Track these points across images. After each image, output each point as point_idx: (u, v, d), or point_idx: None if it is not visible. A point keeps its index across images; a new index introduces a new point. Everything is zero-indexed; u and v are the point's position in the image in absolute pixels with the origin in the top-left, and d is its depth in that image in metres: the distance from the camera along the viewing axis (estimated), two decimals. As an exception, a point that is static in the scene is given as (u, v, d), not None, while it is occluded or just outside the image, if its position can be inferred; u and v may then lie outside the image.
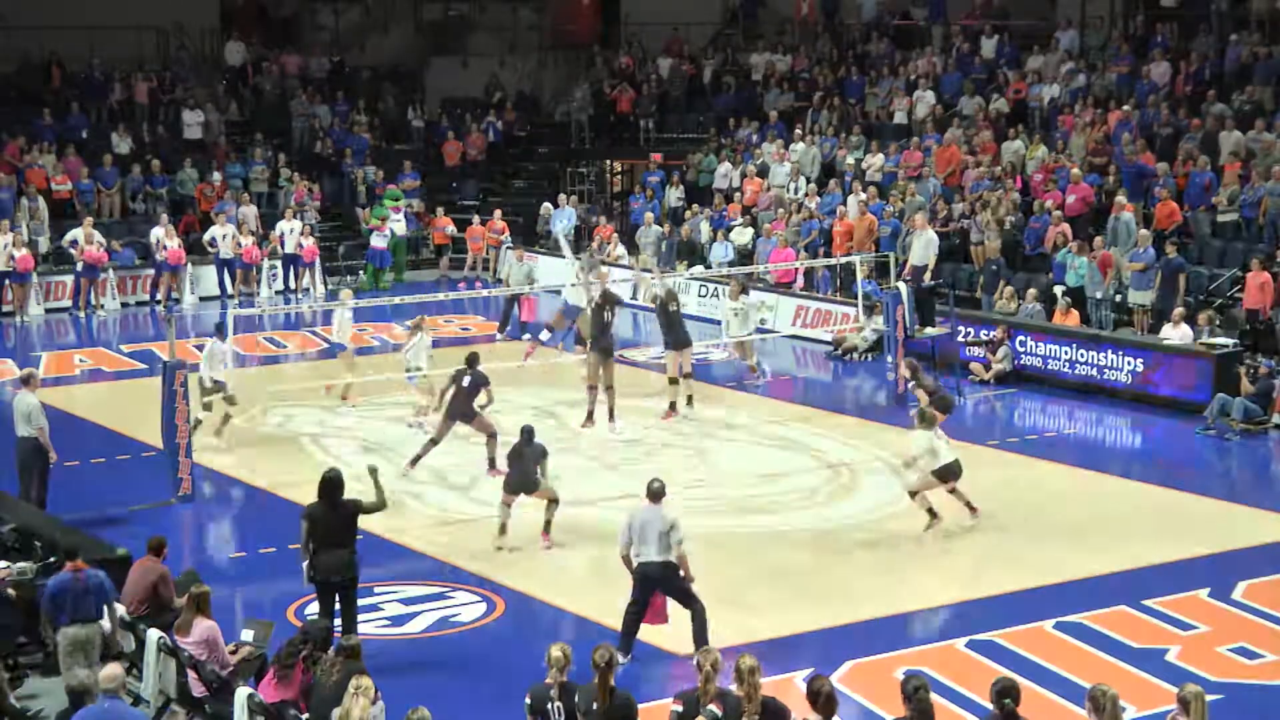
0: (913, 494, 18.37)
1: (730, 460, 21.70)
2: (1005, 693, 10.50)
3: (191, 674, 12.96)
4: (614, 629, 15.27)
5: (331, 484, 14.62)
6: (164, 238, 34.03)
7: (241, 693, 12.17)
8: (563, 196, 38.27)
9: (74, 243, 33.42)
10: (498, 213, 37.20)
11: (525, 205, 40.11)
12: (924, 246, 28.01)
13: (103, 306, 33.50)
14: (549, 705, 11.23)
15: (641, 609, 14.68)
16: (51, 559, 15.18)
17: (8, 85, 39.64)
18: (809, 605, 15.96)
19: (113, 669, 10.96)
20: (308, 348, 30.12)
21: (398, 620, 15.78)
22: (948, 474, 18.21)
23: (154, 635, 13.31)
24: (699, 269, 32.54)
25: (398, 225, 36.93)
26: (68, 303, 33.58)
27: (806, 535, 18.42)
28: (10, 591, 14.36)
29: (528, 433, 18.12)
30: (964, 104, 34.66)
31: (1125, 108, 31.72)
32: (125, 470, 22.32)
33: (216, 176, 37.36)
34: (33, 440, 18.46)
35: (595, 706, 11.07)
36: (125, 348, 29.74)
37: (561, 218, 37.04)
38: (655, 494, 14.75)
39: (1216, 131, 30.09)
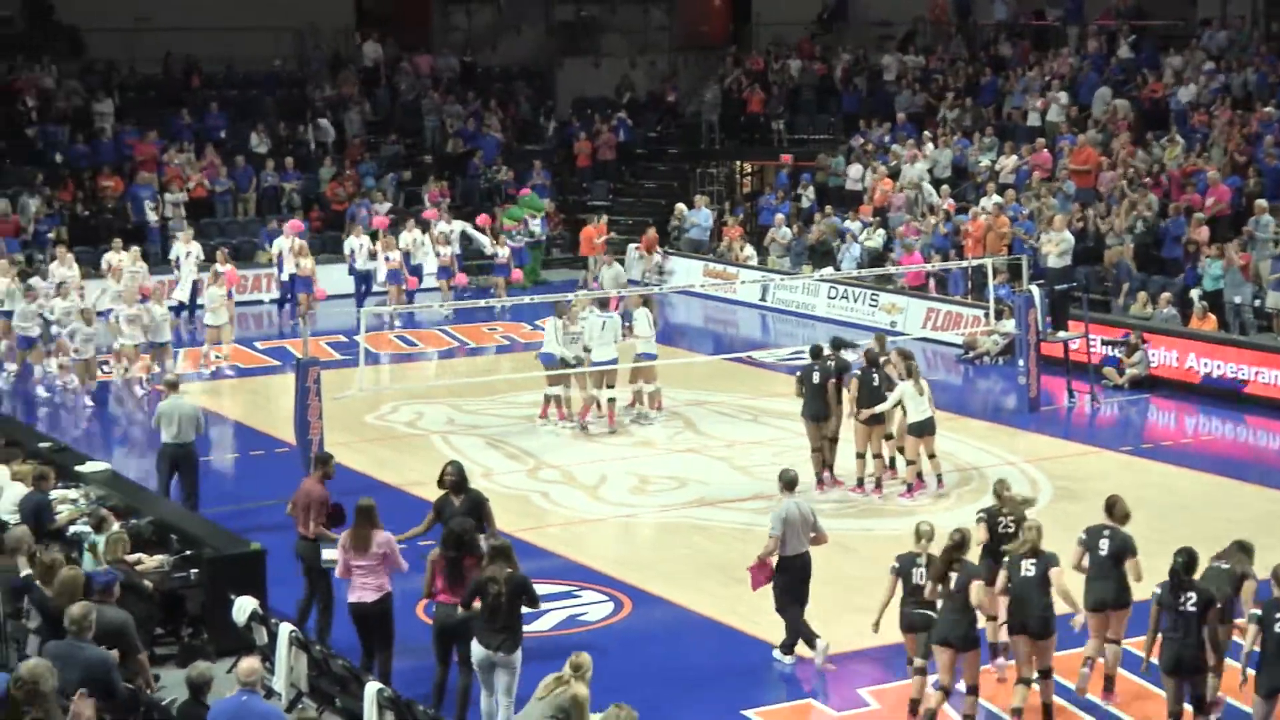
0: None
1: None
2: (1180, 553, 12.64)
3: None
4: (737, 628, 15.28)
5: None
6: (289, 252, 32.27)
7: (371, 688, 12.33)
8: (699, 197, 38.22)
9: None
10: (604, 217, 36.92)
11: (655, 206, 40.14)
12: (1059, 248, 27.72)
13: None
14: (913, 570, 13.38)
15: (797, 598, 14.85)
16: (188, 552, 15.47)
17: (149, 85, 40.38)
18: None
19: (251, 663, 11.13)
20: (439, 346, 30.39)
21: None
22: (920, 430, 19.57)
23: (285, 629, 13.51)
24: (828, 271, 32.42)
25: (535, 228, 36.78)
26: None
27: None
28: (147, 584, 14.62)
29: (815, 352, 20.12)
30: (1100, 105, 34.24)
31: (1268, 109, 31.19)
32: (259, 466, 22.67)
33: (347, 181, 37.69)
34: (190, 445, 18.82)
35: (930, 579, 13.12)
36: (260, 344, 30.12)
37: (697, 219, 37.03)
38: (792, 483, 15.03)
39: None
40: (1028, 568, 13.16)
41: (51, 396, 25.98)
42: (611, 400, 23.33)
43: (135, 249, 30.42)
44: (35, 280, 27.58)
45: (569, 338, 23.04)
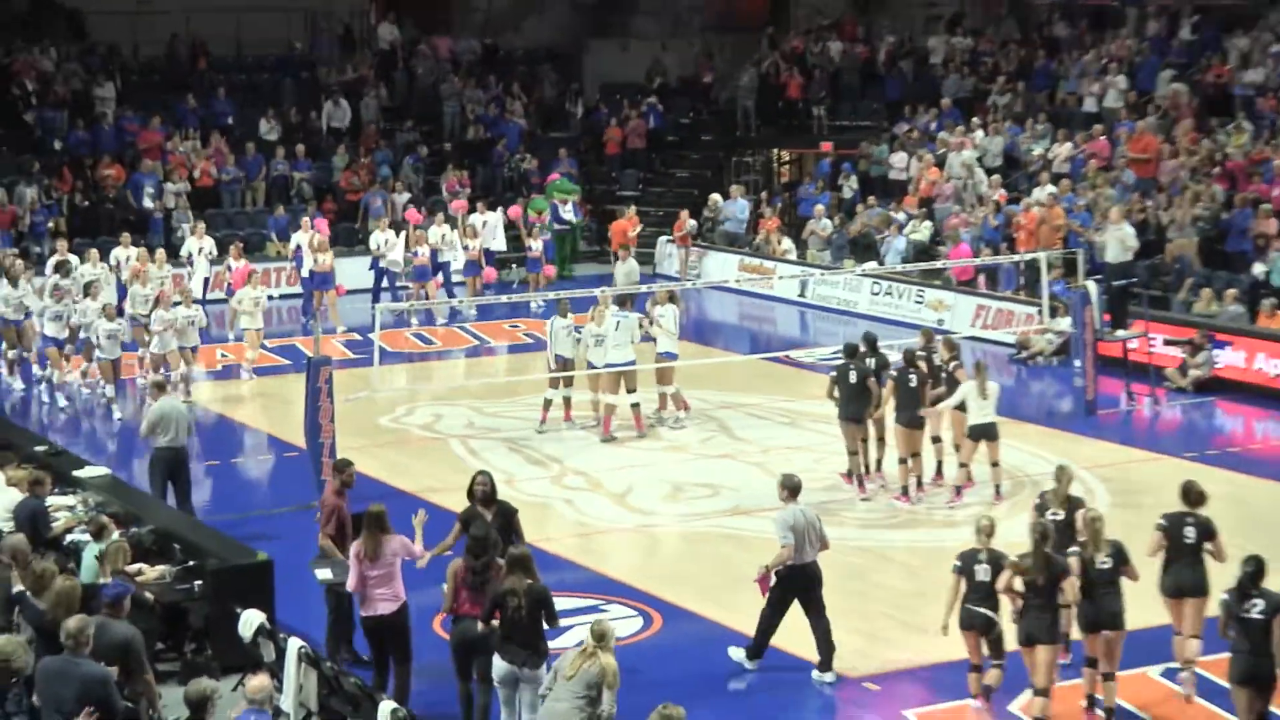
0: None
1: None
2: (1247, 561, 12.78)
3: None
4: (774, 645, 15.16)
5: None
6: (308, 246, 31.62)
7: (385, 707, 12.26)
8: (734, 187, 38.10)
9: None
10: (632, 208, 36.84)
11: (687, 196, 40.01)
12: (1119, 242, 27.54)
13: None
14: (975, 566, 13.47)
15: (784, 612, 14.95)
16: (191, 562, 15.41)
17: (152, 68, 40.40)
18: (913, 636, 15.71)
19: (261, 680, 11.09)
20: (458, 344, 30.34)
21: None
22: (979, 433, 19.55)
23: (294, 645, 13.44)
24: (871, 265, 32.27)
25: (567, 215, 36.70)
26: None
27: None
28: (148, 596, 14.55)
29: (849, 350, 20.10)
30: (1160, 90, 34.04)
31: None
32: (267, 471, 22.64)
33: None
34: (184, 449, 18.78)
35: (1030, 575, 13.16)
36: (268, 343, 30.04)
37: (732, 210, 36.89)
38: (796, 489, 15.08)
39: None
40: (1103, 560, 13.43)
41: (73, 404, 25.78)
42: (635, 405, 23.23)
43: (160, 251, 30.03)
44: (56, 277, 27.31)
45: (595, 339, 22.96)
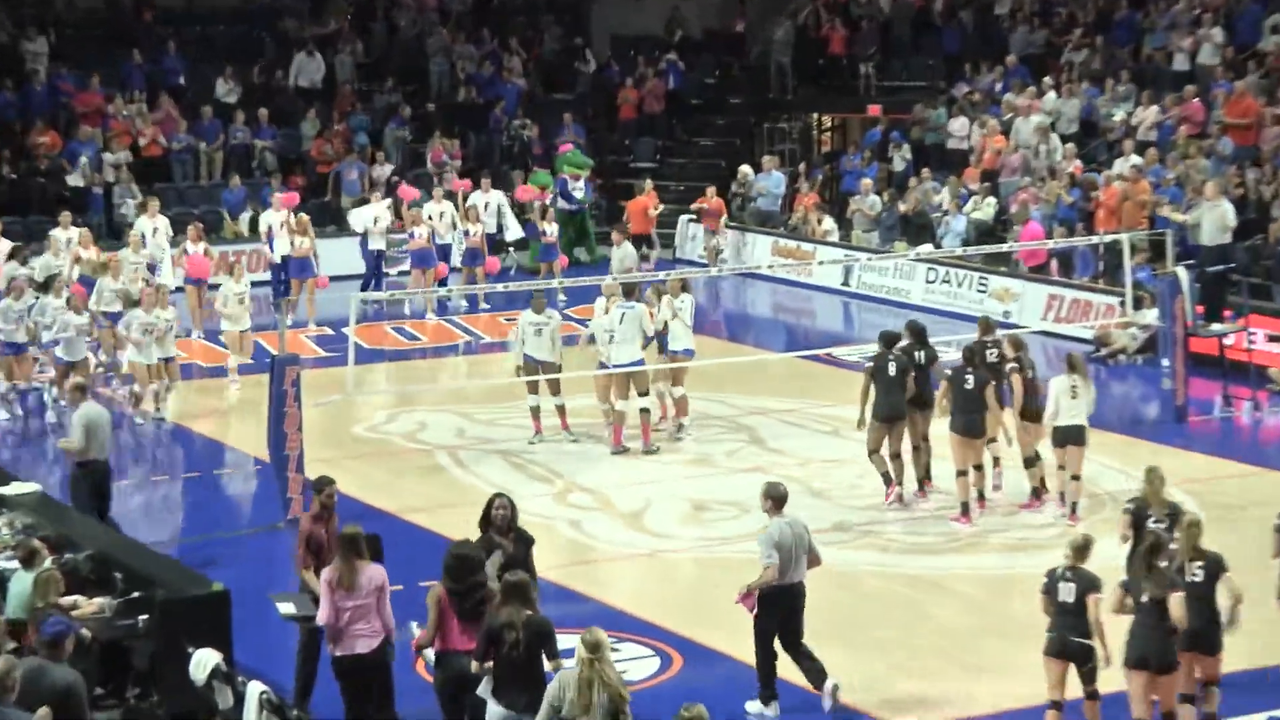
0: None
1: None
2: None
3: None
4: (806, 688, 15.14)
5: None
6: (280, 227, 31.55)
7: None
8: (767, 158, 38.06)
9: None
10: (650, 183, 36.80)
11: (712, 168, 40.03)
12: (1215, 222, 27.48)
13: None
14: (1059, 585, 13.57)
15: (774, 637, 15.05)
16: (136, 593, 15.39)
17: (91, 20, 40.39)
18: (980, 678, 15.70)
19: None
20: (447, 341, 30.34)
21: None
22: (1064, 437, 19.51)
23: (255, 689, 13.42)
24: (926, 249, 32.25)
25: (578, 192, 36.66)
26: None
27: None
28: (85, 633, 14.52)
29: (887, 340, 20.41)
30: (1263, 43, 34.00)
31: None
32: (225, 487, 22.63)
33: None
34: (107, 460, 18.77)
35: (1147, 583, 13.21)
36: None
37: (765, 184, 36.85)
38: (783, 499, 15.09)
39: None
40: (1194, 572, 13.50)
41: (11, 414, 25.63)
42: (645, 410, 23.16)
43: (134, 235, 29.79)
44: (12, 266, 27.16)
45: (608, 335, 22.93)
